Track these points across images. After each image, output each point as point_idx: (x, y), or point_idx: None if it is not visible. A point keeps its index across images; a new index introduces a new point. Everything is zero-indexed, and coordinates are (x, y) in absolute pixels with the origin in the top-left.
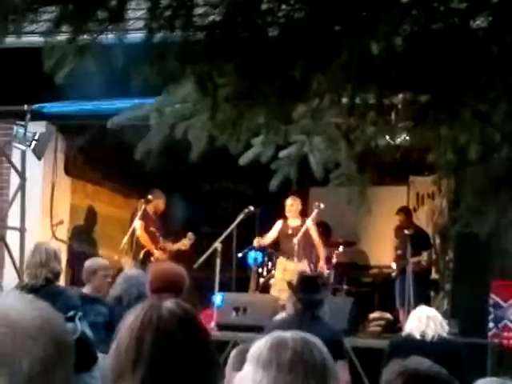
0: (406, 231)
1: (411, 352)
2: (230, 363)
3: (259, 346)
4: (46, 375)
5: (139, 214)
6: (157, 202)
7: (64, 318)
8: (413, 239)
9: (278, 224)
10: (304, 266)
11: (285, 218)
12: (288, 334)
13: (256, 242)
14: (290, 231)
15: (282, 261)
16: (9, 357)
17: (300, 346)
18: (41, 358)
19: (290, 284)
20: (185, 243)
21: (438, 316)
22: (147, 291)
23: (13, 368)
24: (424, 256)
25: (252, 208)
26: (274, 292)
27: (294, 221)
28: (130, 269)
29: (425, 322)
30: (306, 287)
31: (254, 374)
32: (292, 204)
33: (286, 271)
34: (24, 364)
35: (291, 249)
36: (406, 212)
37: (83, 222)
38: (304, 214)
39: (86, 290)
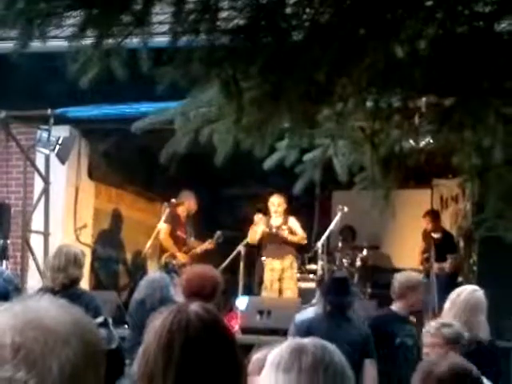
0: (433, 234)
1: None
2: (257, 365)
3: (279, 351)
4: (75, 379)
5: (164, 217)
6: (189, 203)
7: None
8: (439, 243)
9: (261, 223)
10: (289, 263)
11: (264, 215)
12: (308, 340)
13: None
14: (273, 230)
15: (268, 261)
16: (39, 360)
17: (320, 351)
18: (71, 362)
19: (319, 285)
20: (211, 242)
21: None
22: (180, 295)
23: (42, 371)
24: (447, 262)
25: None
26: (265, 294)
27: (276, 219)
28: (153, 272)
29: None
30: (337, 289)
31: (274, 378)
32: (280, 203)
33: (273, 271)
34: (54, 368)
35: (275, 248)
36: (432, 215)
37: (109, 225)
38: (327, 217)
39: (398, 306)
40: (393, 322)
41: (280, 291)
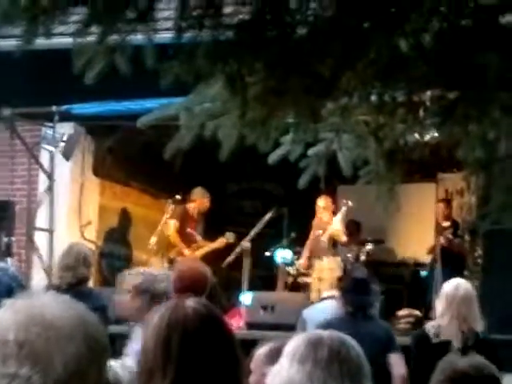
0: (443, 223)
1: None
2: (259, 360)
3: (296, 342)
4: (79, 374)
5: (169, 214)
6: (200, 201)
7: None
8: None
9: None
10: (334, 263)
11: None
12: (325, 333)
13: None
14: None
15: (317, 261)
16: (42, 356)
17: (337, 344)
18: (74, 357)
19: (339, 285)
20: (221, 241)
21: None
22: (171, 290)
23: (46, 367)
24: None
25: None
26: (312, 293)
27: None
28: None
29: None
30: (358, 289)
31: (289, 369)
32: (325, 207)
33: (320, 271)
34: (57, 363)
35: (320, 248)
36: (446, 202)
37: (113, 222)
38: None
39: None
40: None
41: None
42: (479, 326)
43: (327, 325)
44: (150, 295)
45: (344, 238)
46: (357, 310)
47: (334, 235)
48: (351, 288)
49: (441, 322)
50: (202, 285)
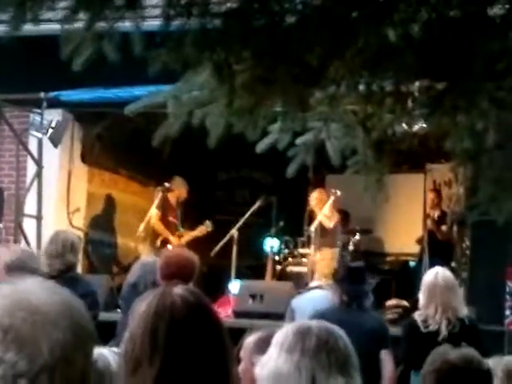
0: (433, 212)
1: None
2: (249, 349)
3: (285, 332)
4: (65, 360)
5: (156, 202)
6: (179, 190)
7: None
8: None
9: None
10: (328, 254)
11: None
12: (313, 323)
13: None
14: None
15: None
16: (28, 341)
17: (325, 334)
18: (60, 343)
19: (335, 274)
20: (201, 229)
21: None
22: (158, 277)
23: (32, 352)
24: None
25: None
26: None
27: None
28: (146, 256)
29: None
30: (353, 278)
31: (277, 358)
32: (319, 199)
33: (313, 262)
34: (44, 348)
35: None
36: (435, 192)
37: (101, 210)
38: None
39: None
40: None
41: None
42: (463, 311)
43: (321, 315)
44: (22, 273)
45: (330, 224)
46: (352, 300)
47: (322, 221)
48: (346, 277)
49: (426, 311)
50: (188, 271)
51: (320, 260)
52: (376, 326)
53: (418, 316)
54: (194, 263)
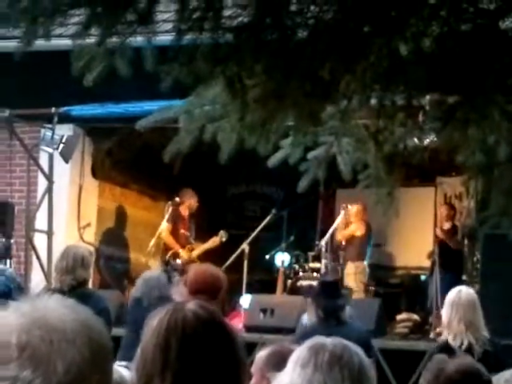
0: (444, 224)
1: None
2: (260, 363)
3: (301, 348)
4: (81, 379)
5: (167, 216)
6: (190, 202)
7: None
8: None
9: None
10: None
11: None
12: (328, 339)
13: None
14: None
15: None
16: (44, 359)
17: (339, 350)
18: (77, 361)
19: (310, 290)
20: (215, 240)
21: None
22: (181, 293)
23: (48, 370)
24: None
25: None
26: None
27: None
28: (150, 271)
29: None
30: (328, 293)
31: (291, 373)
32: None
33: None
34: (59, 367)
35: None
36: (448, 206)
37: (112, 224)
38: (331, 215)
39: None
40: None
41: None
42: (485, 331)
43: (304, 335)
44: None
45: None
46: (329, 315)
47: (353, 232)
48: (320, 292)
49: (450, 329)
50: (216, 288)
51: (347, 274)
52: (357, 337)
53: (446, 334)
54: (220, 280)
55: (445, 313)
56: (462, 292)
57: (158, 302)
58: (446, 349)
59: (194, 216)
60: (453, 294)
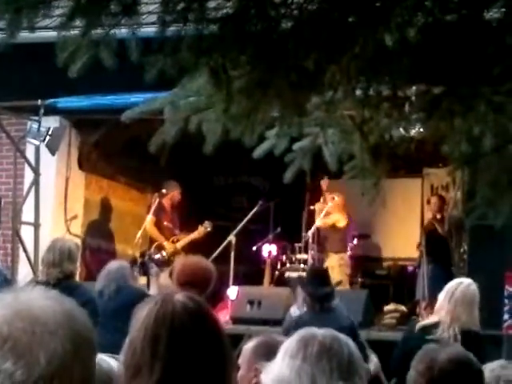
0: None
1: None
2: (248, 354)
3: (291, 339)
4: (63, 370)
5: (152, 208)
6: (172, 194)
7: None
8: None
9: None
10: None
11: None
12: (319, 331)
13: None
14: None
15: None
16: (27, 350)
17: (329, 341)
18: (59, 353)
19: (300, 279)
20: (200, 231)
21: None
22: (174, 283)
23: (30, 362)
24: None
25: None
26: None
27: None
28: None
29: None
30: (315, 281)
31: (280, 363)
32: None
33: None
34: (41, 358)
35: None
36: (438, 197)
37: (99, 216)
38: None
39: None
40: None
41: None
42: (476, 326)
43: (293, 325)
44: None
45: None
46: (316, 302)
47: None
48: (309, 280)
49: (437, 316)
50: (204, 280)
51: (330, 267)
52: (343, 323)
53: (432, 319)
54: (210, 272)
55: (439, 299)
56: (461, 285)
57: (116, 294)
58: (423, 329)
59: (181, 208)
60: (452, 284)
